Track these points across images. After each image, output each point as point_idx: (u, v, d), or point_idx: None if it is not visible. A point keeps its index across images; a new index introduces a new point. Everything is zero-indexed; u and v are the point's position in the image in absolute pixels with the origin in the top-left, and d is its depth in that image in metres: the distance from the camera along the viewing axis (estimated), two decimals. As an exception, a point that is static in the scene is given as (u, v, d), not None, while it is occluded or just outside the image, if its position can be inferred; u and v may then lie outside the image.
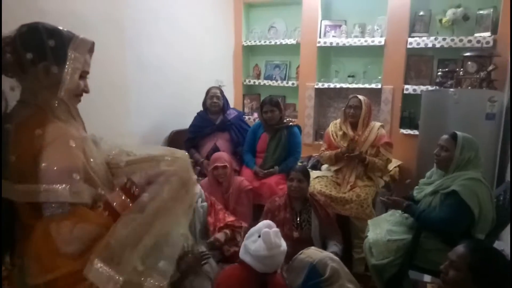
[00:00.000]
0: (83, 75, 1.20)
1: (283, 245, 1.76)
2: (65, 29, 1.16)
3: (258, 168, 3.20)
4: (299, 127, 3.38)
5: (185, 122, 3.58)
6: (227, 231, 2.41)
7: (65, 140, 1.08)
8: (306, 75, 4.17)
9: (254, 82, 4.60)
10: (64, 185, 1.05)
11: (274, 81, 4.45)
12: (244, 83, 4.66)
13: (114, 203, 1.13)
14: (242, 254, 1.78)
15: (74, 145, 1.09)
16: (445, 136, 2.11)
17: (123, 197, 1.15)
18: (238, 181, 3.00)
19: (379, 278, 2.14)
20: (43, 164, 1.04)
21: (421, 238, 2.02)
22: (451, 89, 3.12)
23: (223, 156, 2.92)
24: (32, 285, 1.08)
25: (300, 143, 3.33)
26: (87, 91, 1.23)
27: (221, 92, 3.53)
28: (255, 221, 2.79)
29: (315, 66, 4.09)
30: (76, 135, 1.12)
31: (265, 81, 4.51)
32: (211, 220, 2.54)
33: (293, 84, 4.32)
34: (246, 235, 1.85)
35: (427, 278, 2.53)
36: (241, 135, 3.50)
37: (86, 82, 1.23)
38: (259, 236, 1.74)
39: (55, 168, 1.05)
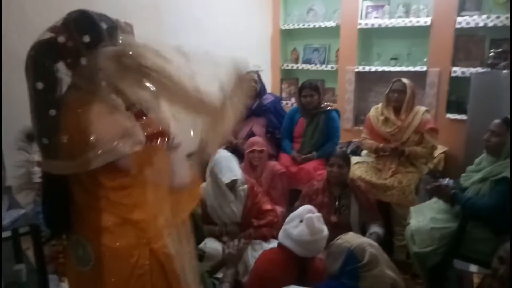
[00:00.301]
0: None
1: (325, 230, 1.79)
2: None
3: (296, 153, 3.18)
4: (337, 111, 3.31)
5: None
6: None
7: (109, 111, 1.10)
8: (346, 59, 4.05)
9: (292, 67, 4.54)
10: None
11: (312, 65, 4.37)
12: (282, 67, 4.61)
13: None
14: (282, 239, 1.81)
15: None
16: (496, 121, 1.99)
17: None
18: (271, 165, 3.01)
19: (421, 267, 2.08)
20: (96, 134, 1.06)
21: (468, 226, 1.94)
22: (505, 71, 2.91)
23: (260, 141, 2.98)
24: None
25: (338, 127, 3.26)
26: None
27: (259, 76, 3.51)
28: (291, 205, 2.80)
29: (356, 49, 3.97)
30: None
31: (304, 65, 4.43)
32: (249, 204, 2.59)
33: (332, 68, 4.22)
34: (286, 220, 1.87)
35: (472, 268, 2.43)
36: (277, 120, 3.48)
37: None
38: (301, 221, 1.76)
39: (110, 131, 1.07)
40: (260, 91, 3.49)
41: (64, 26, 1.10)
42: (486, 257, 1.64)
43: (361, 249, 1.56)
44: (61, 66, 1.12)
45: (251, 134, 3.39)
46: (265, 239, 2.42)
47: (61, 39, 1.08)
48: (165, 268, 1.20)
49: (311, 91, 3.15)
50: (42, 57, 1.07)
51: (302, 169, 3.07)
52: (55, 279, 1.59)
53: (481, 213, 1.88)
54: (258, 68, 3.72)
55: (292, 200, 2.98)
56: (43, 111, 1.08)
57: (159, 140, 1.13)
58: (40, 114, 1.09)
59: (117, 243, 1.13)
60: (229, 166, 2.48)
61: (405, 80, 2.84)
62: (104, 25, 1.12)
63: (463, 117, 3.41)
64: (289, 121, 3.36)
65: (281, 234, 1.84)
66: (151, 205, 1.25)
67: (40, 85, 1.05)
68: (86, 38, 1.08)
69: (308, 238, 1.71)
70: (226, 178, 2.45)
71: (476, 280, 1.97)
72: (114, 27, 1.16)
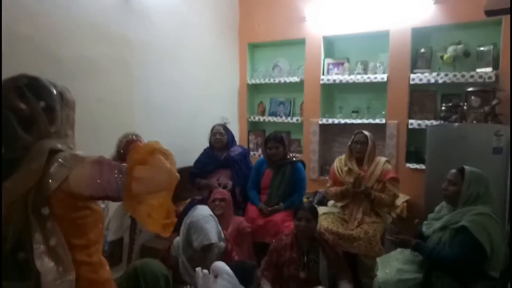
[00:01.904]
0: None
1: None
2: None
3: (263, 205, 3.16)
4: (303, 163, 3.37)
5: (190, 159, 3.59)
6: None
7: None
8: (310, 111, 4.21)
9: (259, 119, 4.65)
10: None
11: (278, 117, 4.49)
12: (249, 119, 4.71)
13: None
14: None
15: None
16: (453, 171, 2.08)
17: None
18: (237, 221, 2.98)
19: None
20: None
21: (433, 277, 1.94)
22: (456, 123, 3.11)
23: (222, 191, 3.04)
24: None
25: (304, 178, 3.30)
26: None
27: (225, 128, 3.57)
28: (257, 261, 2.73)
29: (319, 103, 4.14)
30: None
31: (270, 118, 4.56)
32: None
33: (297, 120, 4.35)
34: None
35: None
36: (246, 172, 3.49)
37: None
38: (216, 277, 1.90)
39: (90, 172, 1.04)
40: (227, 143, 3.53)
41: (20, 89, 1.07)
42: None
43: None
44: None
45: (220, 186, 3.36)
46: None
47: (15, 102, 1.05)
48: None
49: (276, 143, 3.21)
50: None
51: (270, 221, 3.04)
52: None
53: (444, 263, 1.90)
54: (225, 120, 3.80)
55: (258, 253, 2.91)
56: None
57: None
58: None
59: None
60: (204, 228, 2.40)
61: (366, 132, 2.96)
62: (56, 92, 1.12)
63: (422, 166, 3.56)
64: (255, 172, 3.37)
65: None
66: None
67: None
68: (42, 104, 1.08)
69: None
70: (197, 243, 2.37)
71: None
72: (62, 94, 1.15)
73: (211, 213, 2.57)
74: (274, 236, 2.81)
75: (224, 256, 2.53)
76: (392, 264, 2.20)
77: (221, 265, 1.98)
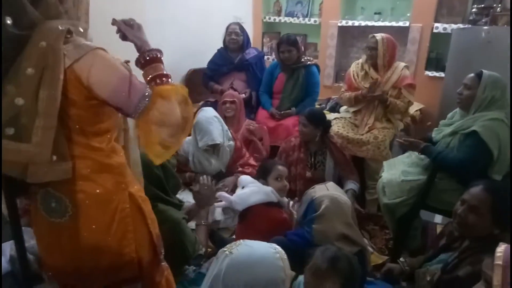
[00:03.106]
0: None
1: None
2: None
3: (275, 109, 3.17)
4: (317, 66, 3.27)
5: (203, 60, 3.51)
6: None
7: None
8: (329, 12, 3.94)
9: (275, 19, 4.41)
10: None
11: (295, 18, 4.24)
12: (264, 20, 4.47)
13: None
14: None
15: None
16: (470, 75, 1.99)
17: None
18: (248, 123, 3.01)
19: (390, 217, 2.16)
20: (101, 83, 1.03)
21: (436, 178, 2.00)
22: (485, 27, 2.89)
23: (233, 93, 3.01)
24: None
25: (318, 83, 3.24)
26: None
27: (241, 28, 3.39)
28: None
29: (340, 2, 3.86)
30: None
31: (286, 18, 4.31)
32: (232, 162, 2.63)
33: (315, 21, 4.11)
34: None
35: (438, 219, 2.55)
36: (259, 77, 3.42)
37: None
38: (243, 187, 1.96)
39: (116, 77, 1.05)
40: (243, 45, 3.38)
41: None
42: (451, 207, 1.72)
43: (320, 201, 1.63)
44: None
45: (232, 89, 3.34)
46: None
47: None
48: (143, 211, 1.21)
49: (288, 46, 3.07)
50: None
51: (281, 125, 3.07)
52: (29, 232, 1.59)
53: (450, 166, 1.93)
54: (239, 20, 3.60)
55: (271, 156, 3.01)
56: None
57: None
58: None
59: (97, 190, 1.12)
60: (208, 129, 2.44)
61: (378, 37, 2.77)
62: None
63: (441, 74, 3.43)
64: (268, 76, 3.30)
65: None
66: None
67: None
68: None
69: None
70: (202, 143, 2.44)
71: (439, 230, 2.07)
72: None
73: (216, 114, 2.59)
74: (284, 140, 2.87)
75: (235, 154, 2.63)
76: (398, 167, 2.25)
77: (244, 177, 2.08)
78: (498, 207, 1.36)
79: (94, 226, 1.12)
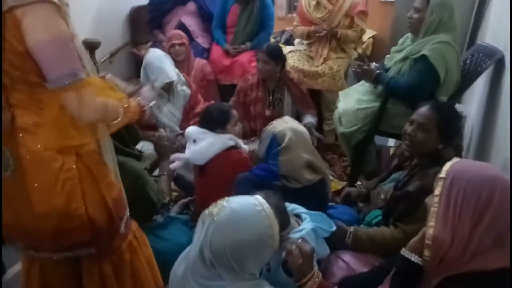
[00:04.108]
0: None
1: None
2: None
3: (229, 45, 3.06)
4: (271, -3, 3.14)
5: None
6: None
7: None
8: None
9: None
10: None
11: None
12: None
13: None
14: None
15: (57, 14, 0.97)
16: (419, -2, 1.99)
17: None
18: (201, 64, 2.90)
19: (347, 145, 2.26)
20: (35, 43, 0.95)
21: (388, 104, 2.08)
22: None
23: (179, 33, 2.81)
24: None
25: (273, 15, 3.14)
26: None
27: None
28: (223, 101, 2.80)
29: None
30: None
31: None
32: (188, 108, 2.54)
33: None
34: None
35: (391, 142, 2.70)
36: (209, 9, 3.22)
37: None
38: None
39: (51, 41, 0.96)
40: None
41: None
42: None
43: (282, 134, 1.67)
44: None
45: (181, 26, 3.14)
46: None
47: None
48: (93, 174, 1.14)
49: None
50: None
51: (236, 61, 3.00)
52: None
53: (401, 91, 1.99)
54: None
55: (224, 95, 2.96)
56: None
57: None
58: None
59: (38, 145, 1.05)
60: (161, 67, 2.32)
61: None
62: None
63: (393, -1, 3.41)
64: (221, 9, 3.11)
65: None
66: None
67: None
68: None
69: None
70: (158, 83, 2.31)
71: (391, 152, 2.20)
72: None
73: (165, 53, 2.47)
74: (240, 77, 2.82)
75: (191, 99, 2.56)
76: (353, 96, 2.31)
77: (192, 129, 1.97)
78: (443, 123, 1.44)
79: (36, 184, 1.06)
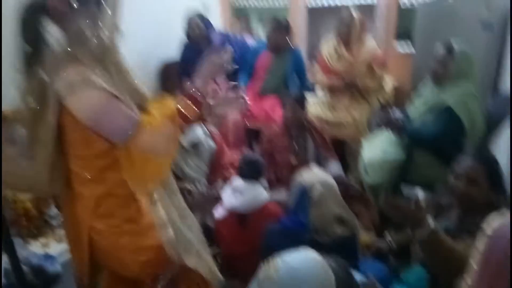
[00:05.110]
0: None
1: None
2: None
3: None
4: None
5: (171, 50, 3.41)
6: None
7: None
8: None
9: (245, 5, 4.33)
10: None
11: (265, 2, 4.19)
12: (233, 4, 4.38)
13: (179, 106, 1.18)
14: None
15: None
16: (441, 51, 2.03)
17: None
18: (232, 120, 2.95)
19: (374, 196, 2.24)
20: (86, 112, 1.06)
21: (415, 157, 2.08)
22: (450, 0, 2.93)
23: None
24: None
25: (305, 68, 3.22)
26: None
27: (201, 17, 3.21)
28: (250, 144, 2.84)
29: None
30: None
31: (256, 2, 4.25)
32: (216, 162, 2.60)
33: (285, 5, 4.08)
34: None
35: (417, 190, 2.64)
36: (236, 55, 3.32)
37: None
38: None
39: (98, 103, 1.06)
40: (208, 36, 3.19)
41: None
42: (429, 180, 1.80)
43: (311, 186, 1.67)
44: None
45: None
46: None
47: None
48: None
49: (279, 28, 3.03)
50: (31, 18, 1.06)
51: (261, 107, 3.04)
52: (20, 243, 1.56)
53: (427, 143, 2.01)
54: (203, 4, 3.47)
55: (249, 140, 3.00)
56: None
57: None
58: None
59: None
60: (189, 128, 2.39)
61: (352, 10, 2.82)
62: None
63: (412, 50, 3.49)
64: (252, 56, 3.22)
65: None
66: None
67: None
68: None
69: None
70: (186, 142, 2.38)
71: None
72: None
73: None
74: (264, 123, 2.88)
75: (216, 152, 2.61)
76: (377, 145, 2.32)
77: (240, 182, 2.01)
78: (492, 173, 1.42)
79: None
